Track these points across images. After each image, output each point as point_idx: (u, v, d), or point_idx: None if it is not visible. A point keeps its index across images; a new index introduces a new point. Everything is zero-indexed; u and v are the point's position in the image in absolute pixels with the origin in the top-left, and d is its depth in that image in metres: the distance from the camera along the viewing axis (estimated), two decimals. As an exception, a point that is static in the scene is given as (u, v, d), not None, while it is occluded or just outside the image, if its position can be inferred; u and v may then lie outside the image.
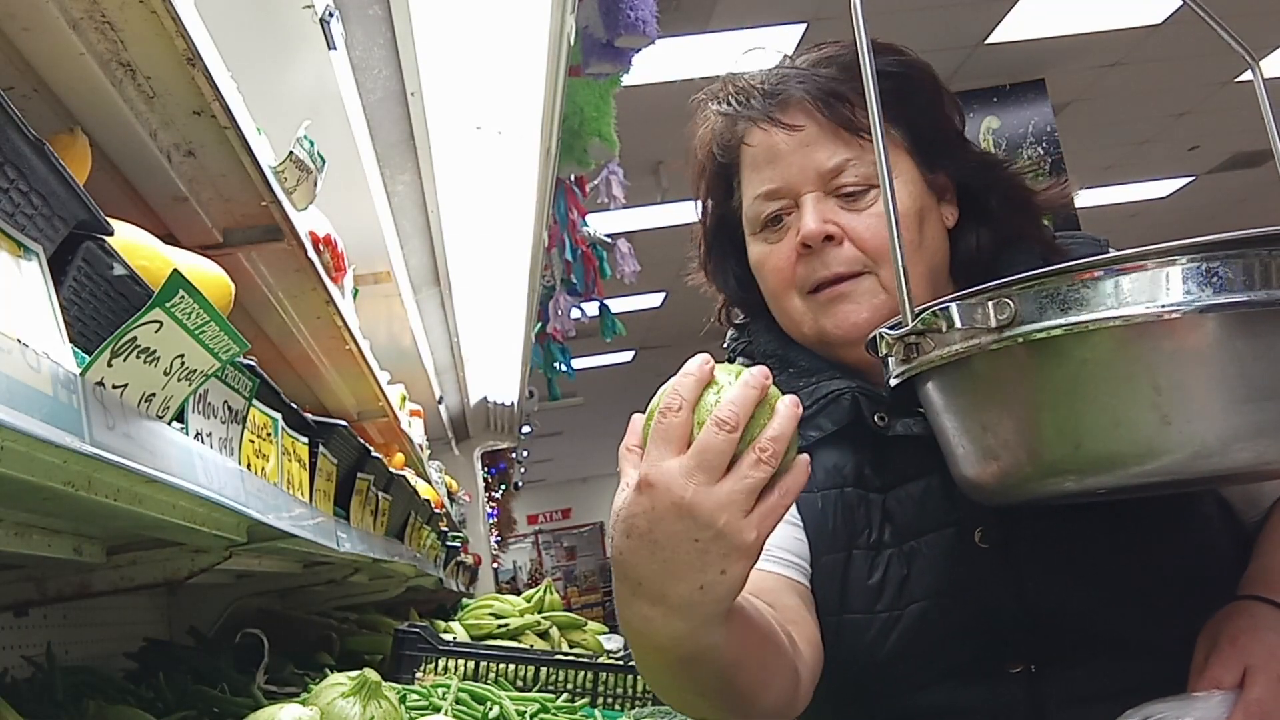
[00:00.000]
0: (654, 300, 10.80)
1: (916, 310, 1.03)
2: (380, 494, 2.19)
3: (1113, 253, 1.42)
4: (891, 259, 1.07)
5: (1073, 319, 0.95)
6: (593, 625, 3.63)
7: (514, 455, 12.27)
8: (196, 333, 0.86)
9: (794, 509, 1.26)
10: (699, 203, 1.49)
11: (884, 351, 1.09)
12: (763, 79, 1.36)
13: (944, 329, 1.01)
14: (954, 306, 1.01)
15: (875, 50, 1.15)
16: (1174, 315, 0.93)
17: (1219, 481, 1.22)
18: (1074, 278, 0.96)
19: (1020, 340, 0.97)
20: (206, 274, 1.43)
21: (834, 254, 1.29)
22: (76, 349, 0.78)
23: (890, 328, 1.07)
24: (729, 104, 1.38)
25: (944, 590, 1.22)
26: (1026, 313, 0.96)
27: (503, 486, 11.97)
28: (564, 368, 6.07)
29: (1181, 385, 0.95)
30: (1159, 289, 0.93)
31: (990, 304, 0.98)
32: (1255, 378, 0.94)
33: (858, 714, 1.31)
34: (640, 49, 3.06)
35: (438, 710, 1.97)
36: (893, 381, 1.10)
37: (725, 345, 1.49)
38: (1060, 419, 0.99)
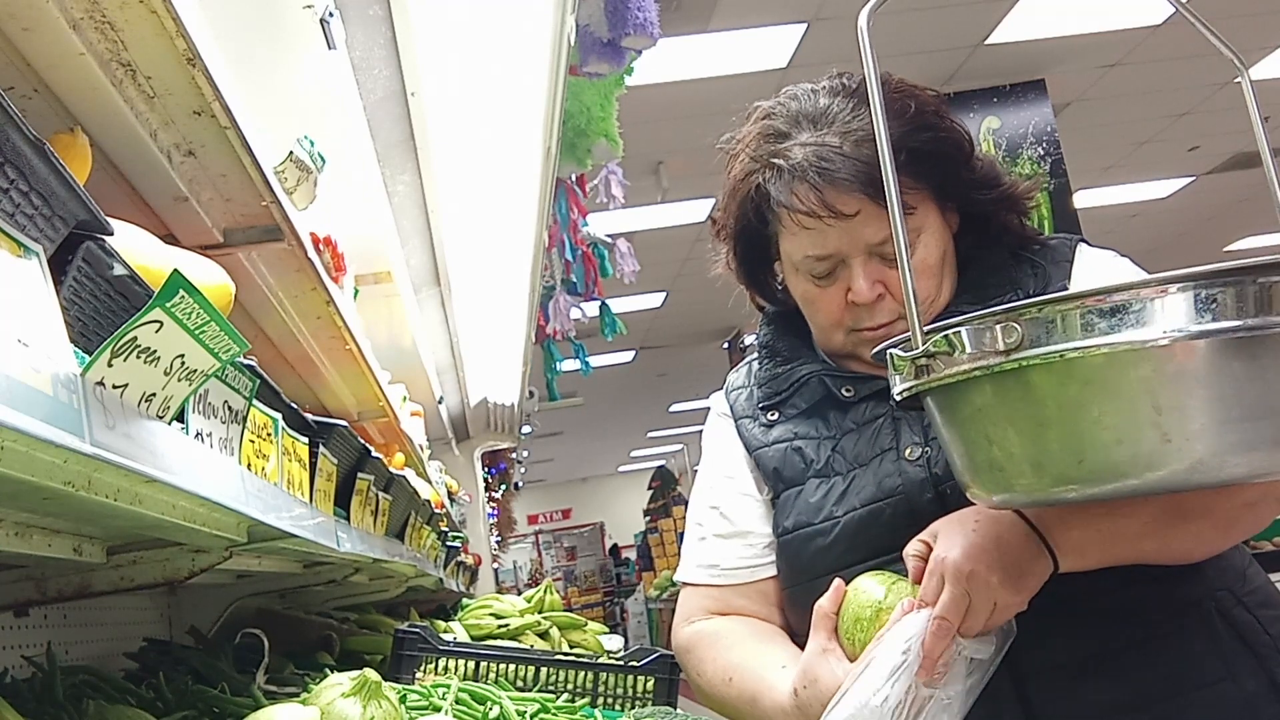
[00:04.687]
0: (654, 300, 10.80)
1: (926, 331, 1.09)
2: (380, 494, 2.19)
3: (1085, 248, 1.50)
4: (921, 298, 1.33)
5: (1077, 344, 1.00)
6: (593, 625, 3.62)
7: (514, 455, 12.28)
8: (196, 333, 0.86)
9: (753, 481, 1.57)
10: (726, 214, 1.58)
11: (893, 370, 1.14)
12: (815, 149, 1.42)
13: (953, 352, 1.07)
14: (964, 331, 1.06)
15: (917, 116, 1.41)
16: (1174, 341, 0.98)
17: (1212, 489, 1.26)
18: (1079, 304, 1.01)
19: (1026, 363, 1.02)
20: (206, 274, 1.43)
21: (880, 307, 1.45)
22: (76, 349, 0.78)
23: (900, 346, 1.12)
24: (777, 167, 1.45)
25: (877, 498, 1.42)
26: (1033, 337, 1.02)
27: (503, 486, 11.97)
28: (579, 363, 6.11)
29: (1181, 405, 1.00)
30: (1160, 315, 0.99)
31: (999, 328, 1.03)
32: (1249, 397, 1.00)
33: None
34: (643, 50, 3.06)
35: (438, 710, 1.97)
36: (898, 395, 1.15)
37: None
38: (1064, 436, 1.04)
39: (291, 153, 1.96)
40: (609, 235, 5.02)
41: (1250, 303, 0.98)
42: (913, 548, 1.29)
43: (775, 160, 1.44)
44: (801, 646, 1.34)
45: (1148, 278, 1.01)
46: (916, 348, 1.09)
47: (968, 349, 1.05)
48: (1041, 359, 1.01)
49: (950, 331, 1.06)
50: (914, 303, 1.10)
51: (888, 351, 1.15)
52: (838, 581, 1.32)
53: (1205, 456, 1.01)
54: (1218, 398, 1.00)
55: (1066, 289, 1.45)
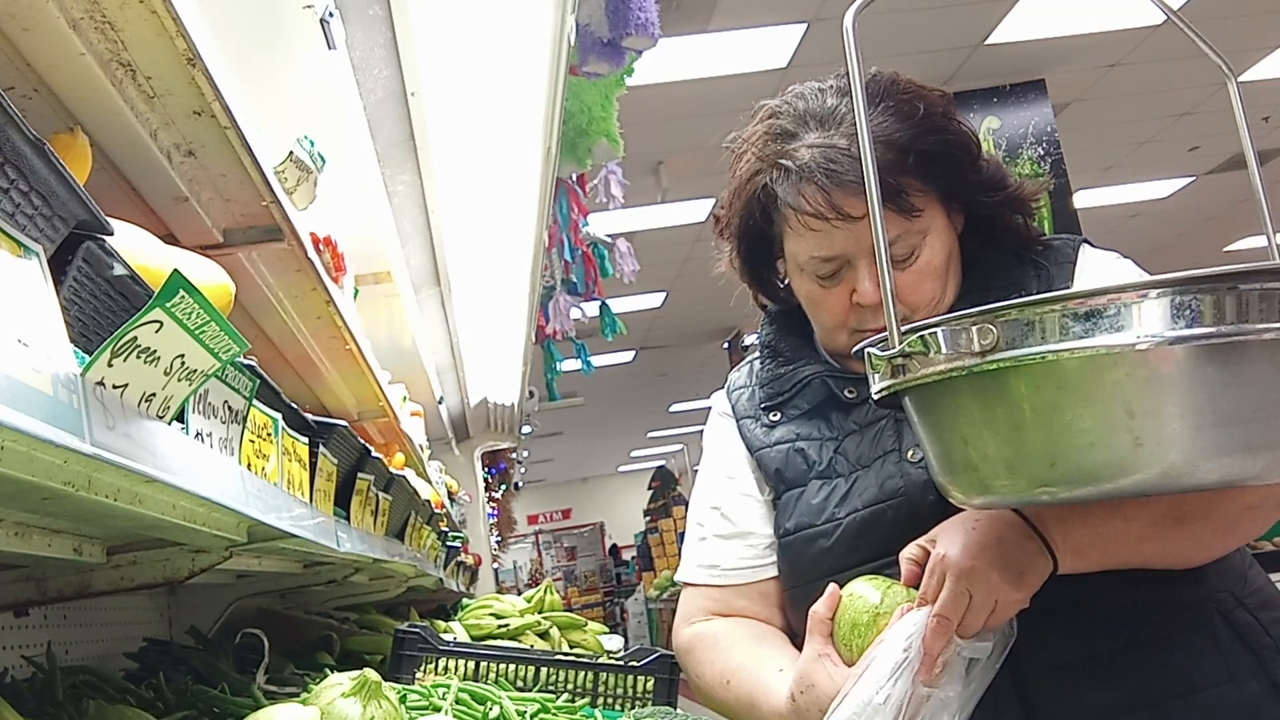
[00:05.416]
0: (654, 300, 10.80)
1: (904, 331, 1.09)
2: (380, 494, 2.19)
3: (1088, 249, 1.50)
4: (926, 300, 1.42)
5: (1052, 346, 1.01)
6: (593, 625, 3.62)
7: (514, 455, 12.28)
8: (196, 333, 0.86)
9: (754, 482, 1.57)
10: (730, 212, 1.57)
11: (871, 369, 1.15)
12: (822, 150, 1.41)
13: (929, 352, 1.07)
14: (940, 331, 1.06)
15: (926, 118, 1.41)
16: (1148, 346, 0.99)
17: (1186, 493, 1.26)
18: (1055, 307, 1.01)
19: (1001, 365, 1.02)
20: (206, 274, 1.43)
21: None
22: (76, 349, 0.78)
23: (878, 345, 1.13)
24: (784, 168, 1.44)
25: (879, 499, 1.42)
26: (1008, 339, 1.02)
27: (503, 486, 11.97)
28: (580, 363, 6.13)
29: (1153, 410, 1.01)
30: (1134, 320, 0.99)
31: (974, 329, 1.03)
32: (1222, 404, 1.01)
33: None
34: (643, 50, 3.06)
35: (438, 710, 1.97)
36: (876, 395, 1.15)
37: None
38: (1037, 438, 1.05)
39: (291, 153, 1.96)
40: (609, 235, 5.02)
41: (1225, 310, 0.98)
42: (909, 551, 1.28)
43: (782, 161, 1.43)
44: (801, 648, 1.35)
45: (1124, 283, 1.02)
46: (893, 347, 1.09)
47: (944, 350, 1.05)
48: (1016, 361, 1.01)
49: (926, 332, 1.07)
50: (892, 302, 1.10)
51: (865, 351, 1.15)
52: (832, 586, 1.32)
53: (1177, 461, 1.01)
54: (1190, 403, 1.00)
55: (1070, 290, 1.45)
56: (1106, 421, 1.01)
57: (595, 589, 22.03)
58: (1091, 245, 1.53)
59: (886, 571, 1.33)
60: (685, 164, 7.23)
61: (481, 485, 9.24)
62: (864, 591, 1.29)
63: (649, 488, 18.42)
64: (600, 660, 2.52)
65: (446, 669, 2.43)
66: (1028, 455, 1.06)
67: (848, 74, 1.13)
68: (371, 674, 1.63)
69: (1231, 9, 6.00)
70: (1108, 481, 1.04)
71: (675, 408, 17.43)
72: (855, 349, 1.22)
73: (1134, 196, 9.59)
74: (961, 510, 1.27)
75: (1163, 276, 1.00)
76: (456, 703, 2.05)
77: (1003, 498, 1.12)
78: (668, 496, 17.30)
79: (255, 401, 1.20)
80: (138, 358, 0.81)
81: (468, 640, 3.15)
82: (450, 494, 5.91)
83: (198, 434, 1.02)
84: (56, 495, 0.82)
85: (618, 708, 2.44)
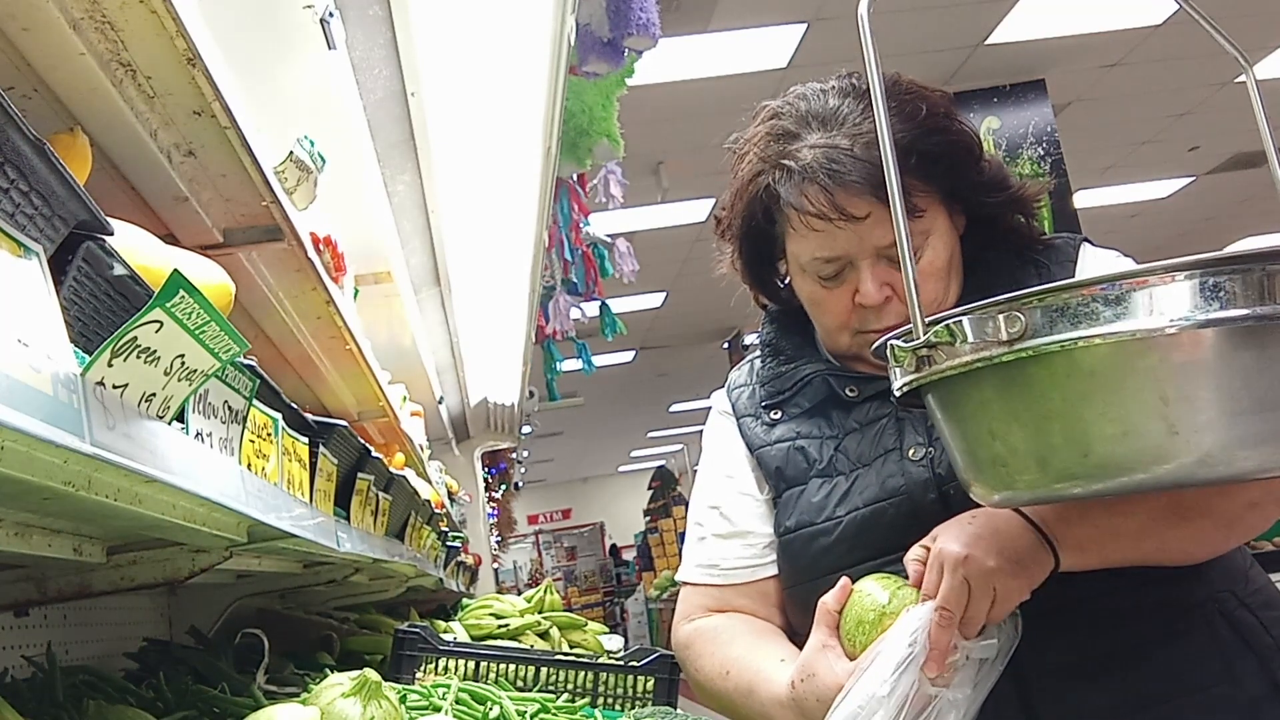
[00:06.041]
0: (654, 300, 10.81)
1: (928, 322, 1.06)
2: (380, 494, 2.19)
3: (1088, 248, 1.49)
4: (928, 301, 1.34)
5: (1083, 332, 0.97)
6: (593, 625, 3.62)
7: (514, 455, 12.28)
8: (197, 333, 0.86)
9: (754, 480, 1.57)
10: (731, 213, 1.57)
11: (894, 362, 1.11)
12: (825, 151, 1.41)
13: (955, 342, 1.04)
14: (965, 320, 1.03)
15: (928, 119, 1.40)
16: (1180, 329, 0.95)
17: (1222, 485, 1.25)
18: (1083, 292, 0.98)
19: (1031, 353, 0.99)
20: (206, 274, 1.43)
21: (888, 309, 1.44)
22: (77, 349, 0.78)
23: (901, 338, 1.10)
24: (786, 168, 1.43)
25: (880, 498, 1.42)
26: (1037, 326, 0.99)
27: (503, 486, 11.97)
28: (581, 363, 6.14)
29: (1189, 396, 0.98)
30: (1166, 303, 0.96)
31: (1001, 317, 1.00)
32: (1259, 389, 0.98)
33: None
34: (644, 50, 3.06)
35: (438, 710, 1.97)
36: (898, 391, 1.13)
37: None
38: (1069, 428, 1.02)
39: (291, 153, 1.96)
40: (609, 235, 5.02)
41: (1259, 290, 0.95)
42: (914, 553, 1.28)
43: (785, 161, 1.43)
44: (801, 647, 1.34)
45: (1154, 265, 0.98)
46: (918, 338, 1.06)
47: (970, 339, 1.02)
48: (1045, 349, 0.98)
49: (952, 321, 1.04)
50: (915, 291, 1.08)
51: (888, 343, 1.13)
52: (844, 580, 1.32)
53: (1214, 449, 0.98)
54: (1226, 389, 0.97)
55: None
56: (1140, 409, 0.98)
57: (595, 589, 22.02)
58: (1092, 244, 1.53)
59: (887, 570, 1.33)
60: (685, 164, 7.23)
61: (481, 485, 9.24)
62: (873, 590, 1.29)
63: (649, 488, 18.42)
64: (600, 660, 2.52)
65: (446, 669, 2.43)
66: (1058, 447, 1.03)
67: (863, 60, 1.13)
68: (371, 674, 1.63)
69: (1232, 8, 6.00)
70: (1142, 471, 1.00)
71: (675, 408, 17.43)
72: (874, 346, 1.21)
73: (1134, 196, 9.59)
74: (976, 508, 1.27)
75: (1193, 257, 0.97)
76: (456, 703, 2.05)
77: (1032, 493, 1.09)
78: (668, 496, 17.30)
79: (255, 401, 1.20)
80: (138, 358, 0.81)
81: (468, 640, 3.15)
82: (450, 494, 5.91)
83: (198, 434, 1.02)
84: (56, 495, 0.82)
85: (618, 708, 2.44)
